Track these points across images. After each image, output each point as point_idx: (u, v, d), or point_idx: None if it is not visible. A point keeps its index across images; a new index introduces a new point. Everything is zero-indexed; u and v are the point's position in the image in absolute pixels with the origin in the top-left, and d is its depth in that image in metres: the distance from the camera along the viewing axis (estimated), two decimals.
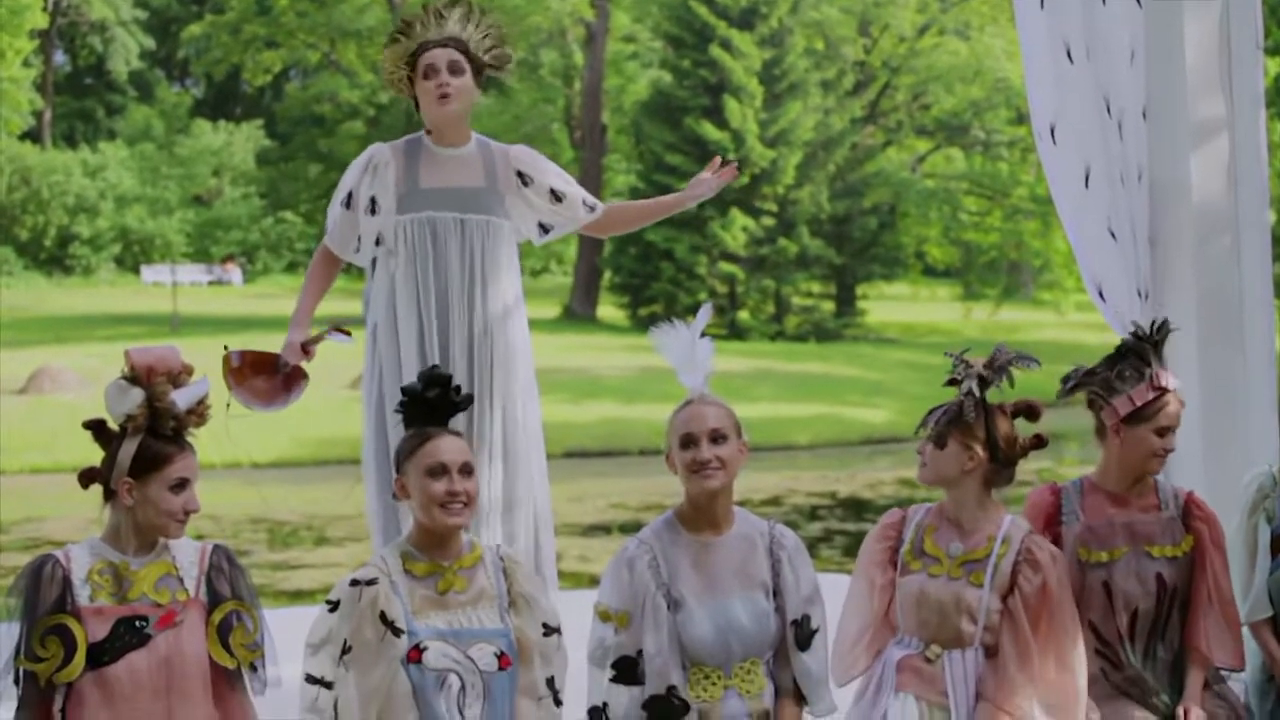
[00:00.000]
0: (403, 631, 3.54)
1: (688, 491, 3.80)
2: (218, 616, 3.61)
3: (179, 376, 3.65)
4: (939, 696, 3.82)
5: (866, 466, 23.41)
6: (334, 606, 3.55)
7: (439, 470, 3.59)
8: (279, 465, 21.81)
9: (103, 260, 46.19)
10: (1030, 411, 3.93)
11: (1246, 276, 5.02)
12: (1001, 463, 3.89)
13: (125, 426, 3.58)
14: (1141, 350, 4.15)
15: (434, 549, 3.64)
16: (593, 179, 39.63)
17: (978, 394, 3.88)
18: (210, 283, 45.35)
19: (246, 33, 46.38)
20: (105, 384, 3.64)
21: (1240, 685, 4.29)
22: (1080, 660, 3.84)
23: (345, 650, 3.52)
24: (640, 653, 3.70)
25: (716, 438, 3.76)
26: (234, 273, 46.61)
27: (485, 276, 4.67)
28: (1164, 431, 4.10)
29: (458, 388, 3.71)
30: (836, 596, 4.05)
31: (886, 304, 44.50)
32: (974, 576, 3.85)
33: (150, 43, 53.07)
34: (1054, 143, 5.00)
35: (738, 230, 37.82)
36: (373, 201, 4.69)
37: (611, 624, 3.74)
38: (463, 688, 3.55)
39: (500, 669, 3.59)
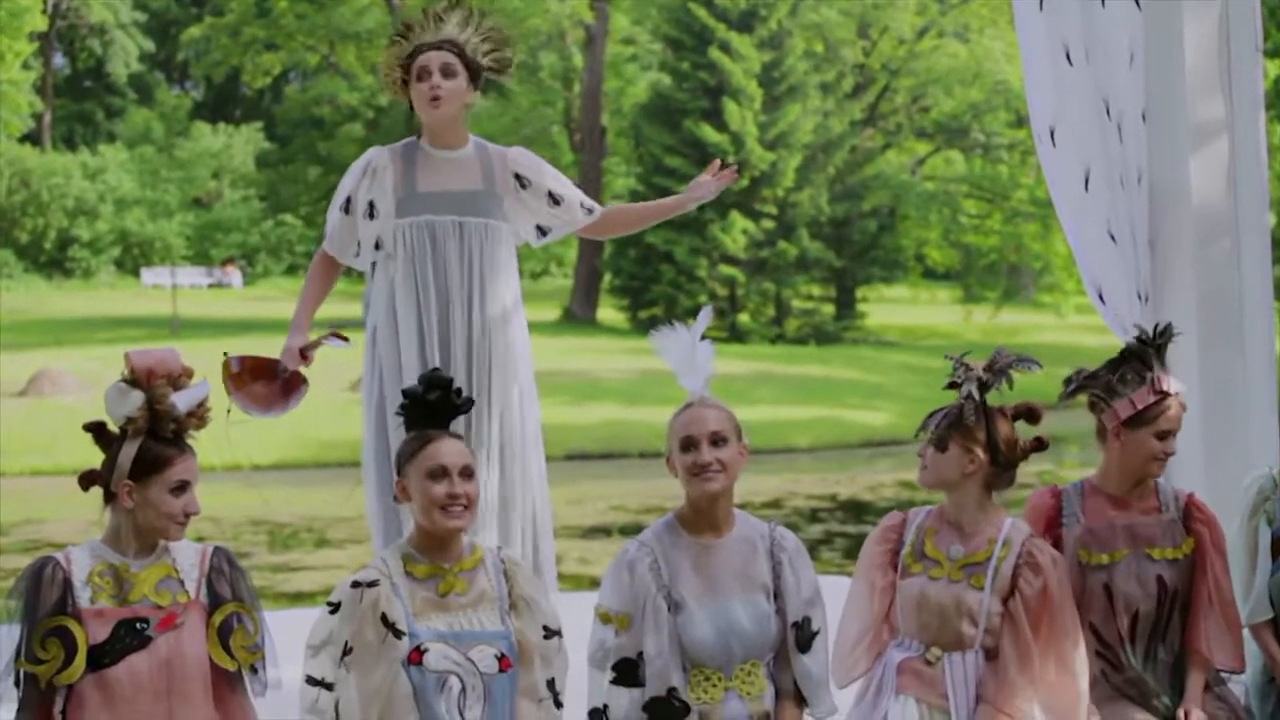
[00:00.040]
0: (404, 633, 3.54)
1: (688, 494, 3.80)
2: (218, 618, 3.61)
3: (179, 379, 3.65)
4: (939, 699, 3.82)
5: (867, 469, 23.41)
6: (335, 608, 3.55)
7: (440, 473, 3.60)
8: (279, 467, 21.81)
9: (102, 263, 46.19)
10: (1030, 414, 3.93)
11: (1246, 279, 5.02)
12: (1002, 465, 3.90)
13: (125, 429, 3.59)
14: (1144, 354, 4.15)
15: (435, 551, 3.64)
16: (592, 181, 39.63)
17: (978, 397, 3.88)
18: (210, 285, 45.35)
19: (246, 35, 46.39)
20: (105, 387, 3.64)
21: (1240, 687, 4.29)
22: (1081, 663, 3.84)
23: (346, 652, 3.52)
24: (641, 655, 3.71)
25: (717, 440, 3.76)
26: (234, 275, 46.61)
27: (484, 279, 4.68)
28: (1164, 435, 4.10)
29: (458, 390, 3.72)
30: (837, 599, 4.05)
31: (886, 307, 44.50)
32: (975, 579, 3.85)
33: (150, 45, 53.07)
34: (1054, 145, 5.00)
35: (738, 233, 37.82)
36: (371, 206, 4.69)
37: (612, 626, 3.74)
38: (463, 689, 3.55)
39: (501, 671, 3.59)
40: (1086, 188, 4.96)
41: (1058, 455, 20.59)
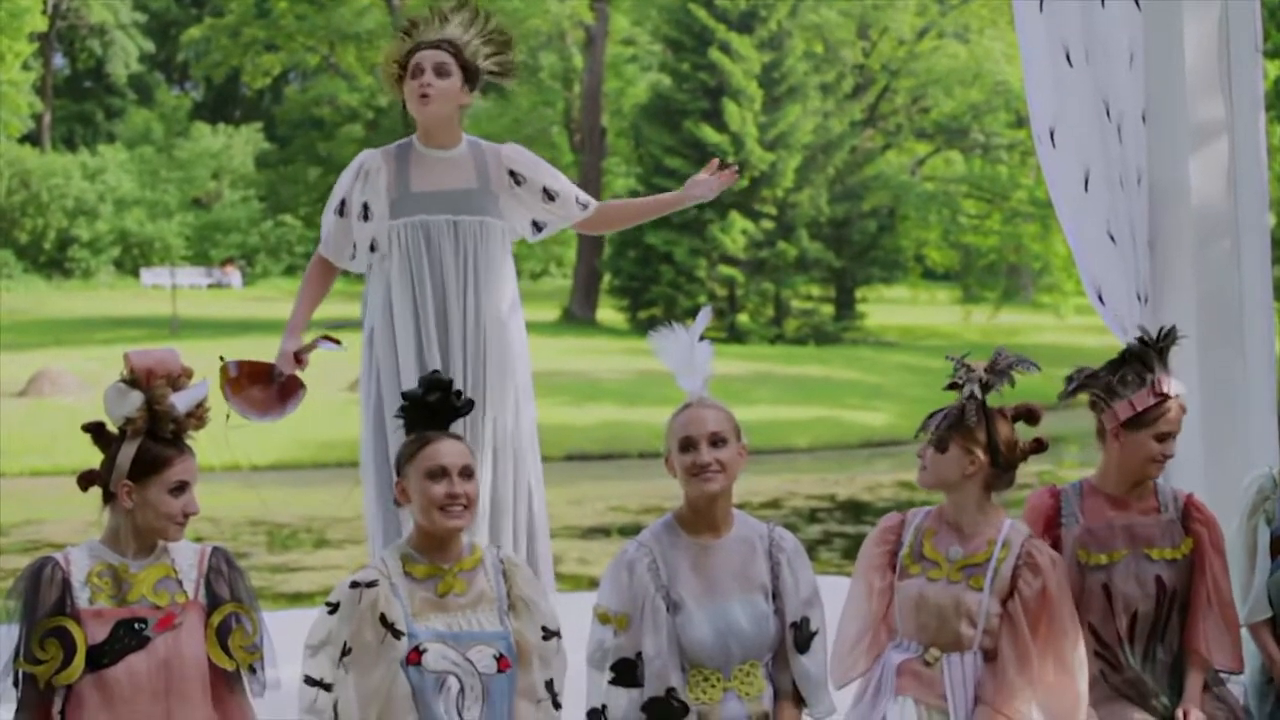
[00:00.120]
0: (402, 633, 3.54)
1: (687, 495, 3.80)
2: (217, 619, 3.61)
3: (178, 379, 3.65)
4: (938, 700, 3.82)
5: (866, 469, 23.42)
6: (334, 608, 3.55)
7: (439, 473, 3.60)
8: (278, 468, 21.81)
9: (102, 263, 46.18)
10: (1030, 415, 3.93)
11: (1246, 279, 5.02)
12: (1002, 466, 3.90)
13: (124, 429, 3.59)
14: (1145, 356, 4.14)
15: (434, 551, 3.64)
16: (592, 182, 39.62)
17: (980, 397, 3.88)
18: (209, 286, 45.33)
19: (246, 36, 46.38)
20: (105, 387, 3.64)
21: (1239, 688, 4.29)
22: (1080, 664, 3.84)
23: (345, 652, 3.52)
24: (639, 655, 3.70)
25: (716, 441, 3.76)
26: (233, 276, 46.60)
27: (481, 278, 4.67)
28: (1164, 438, 4.10)
29: (458, 392, 3.72)
30: (836, 599, 4.05)
31: (886, 307, 44.50)
32: (974, 580, 3.85)
33: (149, 46, 53.06)
34: (1053, 146, 5.00)
35: (737, 233, 37.83)
36: (365, 207, 4.69)
37: (611, 626, 3.74)
38: (462, 690, 3.55)
39: (499, 671, 3.59)
40: (1086, 188, 4.96)
41: (1057, 455, 20.60)
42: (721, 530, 3.82)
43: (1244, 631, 4.19)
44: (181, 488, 3.58)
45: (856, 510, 18.91)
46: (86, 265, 45.86)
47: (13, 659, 3.48)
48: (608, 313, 40.92)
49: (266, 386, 4.68)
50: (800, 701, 3.83)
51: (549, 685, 3.69)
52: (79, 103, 53.45)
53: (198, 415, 3.64)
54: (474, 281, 4.66)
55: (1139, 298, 4.98)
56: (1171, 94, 5.03)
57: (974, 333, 40.64)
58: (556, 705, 3.71)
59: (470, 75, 4.75)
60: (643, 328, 29.20)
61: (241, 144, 48.87)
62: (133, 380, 3.60)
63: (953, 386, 3.95)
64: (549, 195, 4.84)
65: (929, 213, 42.80)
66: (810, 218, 39.58)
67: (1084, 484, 4.21)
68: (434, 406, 3.68)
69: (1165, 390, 4.10)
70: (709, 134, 37.35)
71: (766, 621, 3.78)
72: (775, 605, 3.81)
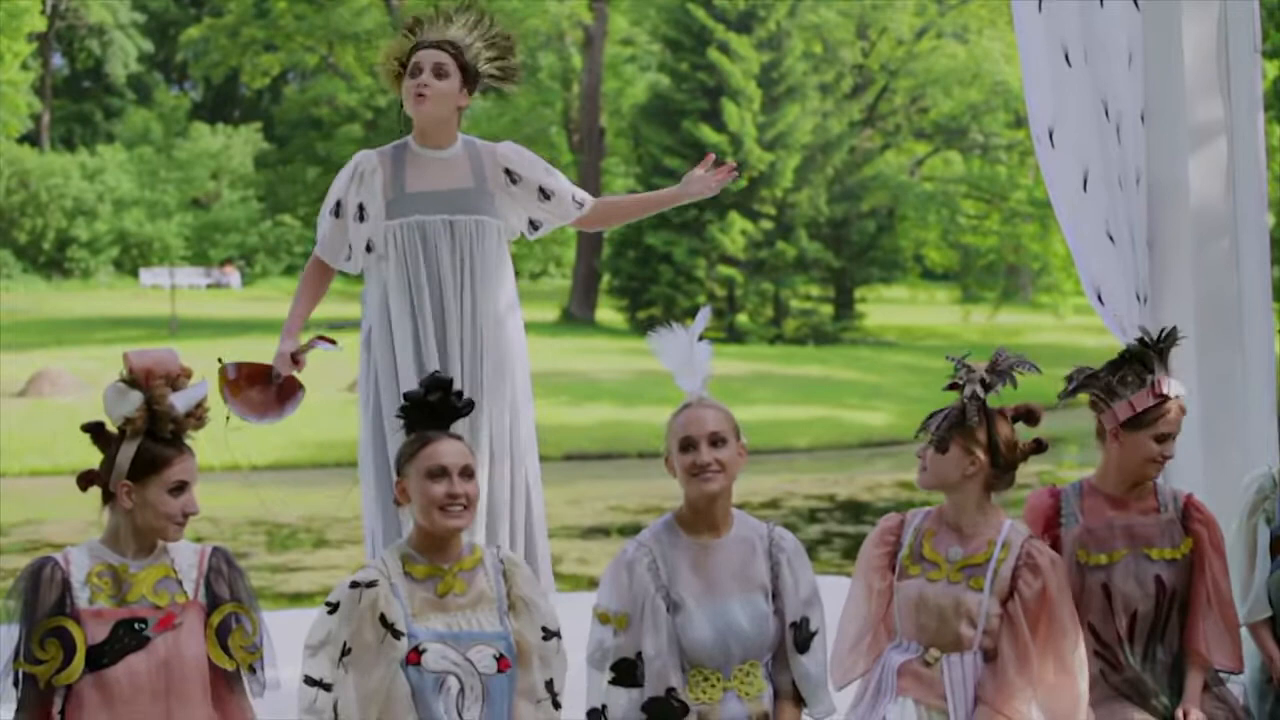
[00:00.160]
0: (402, 634, 3.54)
1: (687, 494, 3.80)
2: (217, 619, 3.62)
3: (177, 379, 3.65)
4: (938, 700, 3.82)
5: (865, 469, 23.41)
6: (333, 608, 3.55)
7: (439, 473, 3.60)
8: (277, 468, 21.80)
9: (101, 263, 46.17)
10: (1030, 416, 3.93)
11: (1245, 279, 5.02)
12: (1002, 467, 3.90)
13: (124, 429, 3.59)
14: (1145, 357, 4.15)
15: (434, 551, 3.64)
16: (591, 182, 39.59)
17: (982, 398, 3.89)
18: (209, 286, 45.31)
19: (244, 36, 46.36)
20: (104, 387, 3.64)
21: (1239, 687, 4.29)
22: (1080, 664, 3.84)
23: (345, 652, 3.52)
24: (639, 655, 3.71)
25: (716, 441, 3.76)
26: (232, 276, 46.58)
27: (477, 277, 4.66)
28: (1163, 438, 4.11)
29: (459, 392, 3.72)
30: (836, 599, 4.05)
31: (885, 307, 44.50)
32: (973, 581, 3.85)
33: (148, 46, 53.03)
34: (1052, 146, 5.00)
35: (736, 233, 37.83)
36: (360, 209, 4.68)
37: (610, 626, 3.74)
38: (461, 690, 3.55)
39: (499, 671, 3.59)
40: (1085, 188, 4.96)
41: (1057, 456, 20.61)
42: (721, 530, 3.82)
43: (1244, 631, 4.19)
44: (181, 487, 3.58)
45: (856, 510, 18.90)
46: (85, 265, 45.85)
47: (12, 659, 3.48)
48: (607, 313, 40.91)
49: (265, 388, 4.69)
50: (800, 701, 3.83)
51: (549, 685, 3.69)
52: (78, 103, 53.43)
53: (197, 415, 3.65)
54: (471, 281, 4.66)
55: (1138, 298, 4.98)
56: (1170, 94, 5.03)
57: (973, 333, 40.65)
58: (556, 705, 3.71)
59: (469, 78, 4.75)
60: (642, 328, 29.23)
61: (240, 144, 48.85)
62: (132, 380, 3.60)
63: (953, 387, 3.95)
64: (544, 194, 4.84)
65: (928, 213, 42.79)
66: (809, 218, 39.58)
67: (1084, 484, 4.21)
68: (435, 406, 3.68)
69: (1165, 391, 4.10)
70: (708, 134, 37.35)
71: (766, 621, 3.78)
72: (775, 605, 3.81)
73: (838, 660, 4.00)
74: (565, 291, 42.81)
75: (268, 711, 3.79)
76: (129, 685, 3.48)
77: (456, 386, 3.73)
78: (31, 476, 21.67)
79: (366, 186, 4.69)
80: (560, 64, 43.94)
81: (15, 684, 3.49)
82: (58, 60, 52.74)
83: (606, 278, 40.84)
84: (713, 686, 3.73)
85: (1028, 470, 3.99)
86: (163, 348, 3.73)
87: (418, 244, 4.64)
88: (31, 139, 46.95)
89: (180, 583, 3.61)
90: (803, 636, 3.82)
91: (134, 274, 46.05)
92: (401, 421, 3.75)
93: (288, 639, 3.79)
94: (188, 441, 3.63)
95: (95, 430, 3.62)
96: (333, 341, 4.71)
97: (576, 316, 40.35)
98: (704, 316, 3.92)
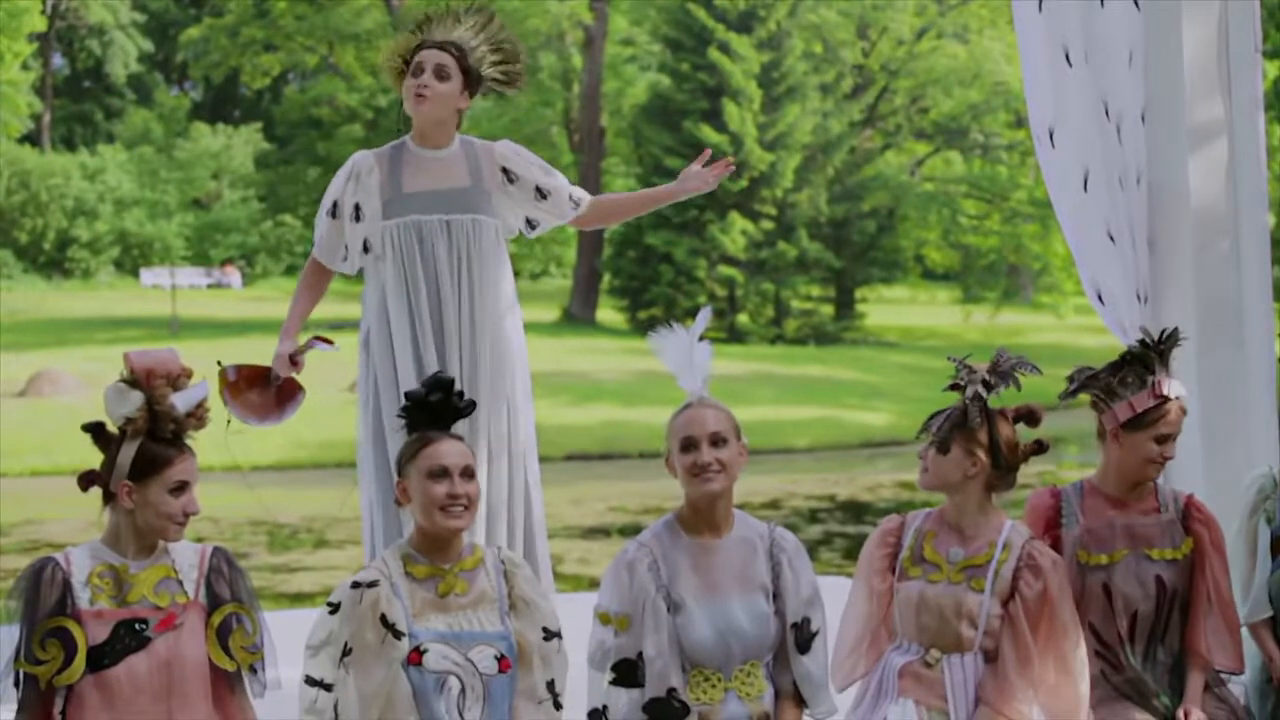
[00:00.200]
0: (403, 634, 3.54)
1: (688, 495, 3.80)
2: (217, 619, 3.62)
3: (178, 379, 3.65)
4: (939, 701, 3.82)
5: (866, 469, 23.42)
6: (335, 608, 3.55)
7: (440, 473, 3.60)
8: (278, 468, 21.81)
9: (102, 263, 46.16)
10: (1031, 417, 3.93)
11: (1245, 280, 5.02)
12: (1003, 468, 3.90)
13: (124, 429, 3.59)
14: (1146, 358, 4.15)
15: (435, 552, 3.65)
16: (591, 182, 39.58)
17: (984, 399, 3.89)
18: (209, 286, 45.30)
19: (245, 36, 46.34)
20: (105, 387, 3.64)
21: (1240, 688, 4.29)
22: (1081, 665, 3.84)
23: (345, 652, 3.52)
24: (640, 655, 3.70)
25: (717, 441, 3.76)
26: (233, 276, 46.57)
27: (475, 276, 4.66)
28: (1163, 439, 4.11)
29: (460, 393, 3.72)
30: (836, 599, 4.05)
31: (886, 307, 44.49)
32: (974, 582, 3.85)
33: (149, 46, 53.02)
34: (1053, 146, 5.00)
35: (737, 234, 37.82)
36: (357, 209, 4.68)
37: (611, 627, 3.74)
38: (463, 690, 3.55)
39: (500, 672, 3.59)
40: (1085, 188, 4.96)
41: (1057, 456, 20.61)
42: (722, 530, 3.82)
43: (1245, 632, 4.19)
44: (182, 488, 3.58)
45: (857, 510, 18.90)
46: (86, 265, 45.84)
47: (13, 659, 3.49)
48: (607, 313, 40.90)
49: (264, 390, 4.69)
50: (801, 702, 3.83)
51: (550, 686, 3.69)
52: (78, 103, 53.43)
53: (198, 415, 3.65)
54: (468, 280, 4.65)
55: (1139, 298, 4.98)
56: (1171, 94, 5.03)
57: (974, 333, 40.63)
58: (558, 706, 3.71)
59: (471, 81, 4.74)
60: (642, 328, 29.23)
61: (241, 144, 48.85)
62: (133, 380, 3.60)
63: (954, 388, 3.95)
64: (541, 193, 4.83)
65: (929, 213, 42.78)
66: (810, 218, 39.57)
67: (1084, 484, 4.21)
68: (436, 407, 3.68)
69: (1165, 392, 4.10)
70: (708, 134, 37.32)
71: (767, 622, 3.78)
72: (776, 605, 3.81)
73: (838, 662, 3.99)
74: (566, 291, 42.80)
75: (268, 712, 3.79)
76: (130, 686, 3.49)
77: (457, 387, 3.73)
78: (32, 476, 21.68)
79: (363, 187, 4.69)
80: (561, 64, 43.92)
81: (16, 684, 3.49)
82: (58, 60, 52.74)
83: (607, 278, 40.83)
84: (713, 687, 3.73)
85: (1028, 470, 3.99)
86: (163, 348, 3.73)
87: (414, 244, 4.64)
88: (32, 139, 46.95)
89: (181, 583, 3.61)
90: (804, 637, 3.82)
91: (135, 274, 46.04)
92: (402, 422, 3.76)
93: (288, 639, 3.79)
94: (188, 442, 3.64)
95: (96, 430, 3.62)
96: (330, 342, 4.71)
97: (577, 316, 40.34)
98: (705, 316, 3.92)
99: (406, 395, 3.76)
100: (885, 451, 25.08)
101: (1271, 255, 5.14)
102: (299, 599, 13.41)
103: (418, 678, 3.53)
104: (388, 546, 4.31)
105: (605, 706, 3.73)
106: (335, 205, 4.71)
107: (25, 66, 41.85)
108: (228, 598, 3.65)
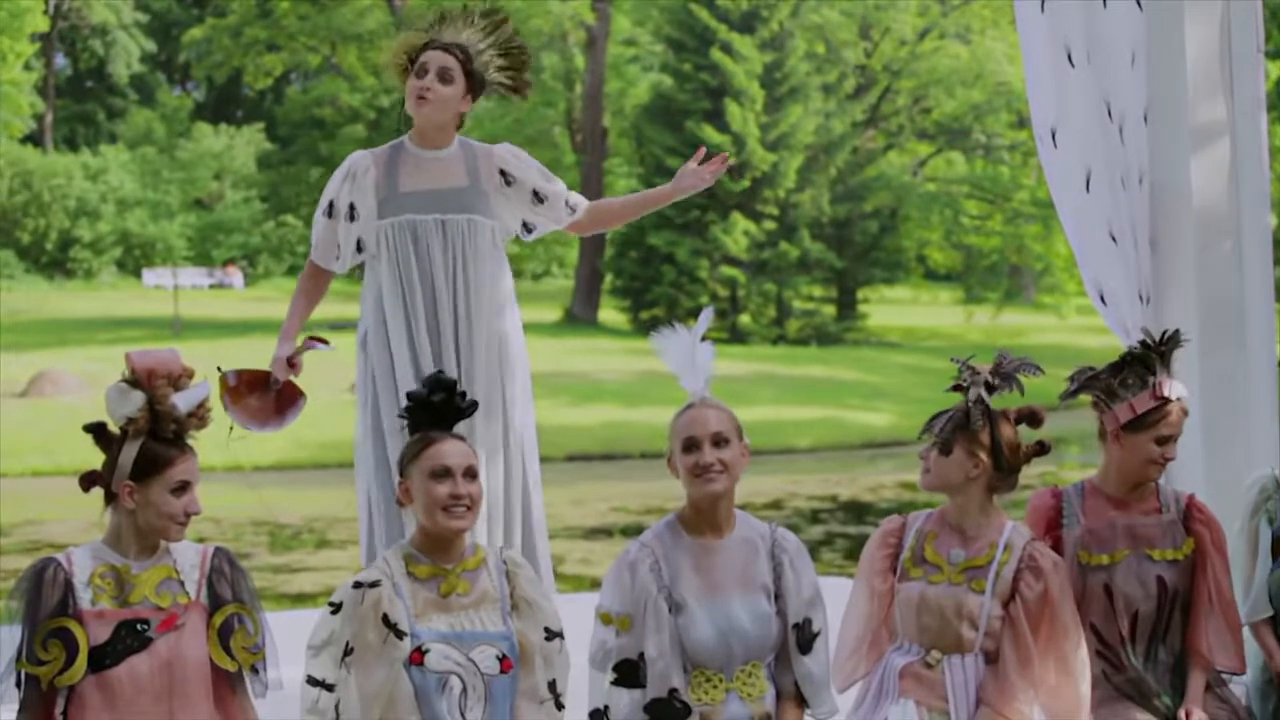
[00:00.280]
0: (405, 634, 3.54)
1: (690, 495, 3.80)
2: (219, 619, 3.62)
3: (180, 380, 3.65)
4: (940, 702, 3.82)
5: (868, 470, 23.42)
6: (336, 608, 3.55)
7: (443, 473, 3.60)
8: (279, 469, 21.82)
9: (104, 264, 46.18)
10: (1033, 418, 3.93)
11: (1247, 280, 5.02)
12: (1005, 469, 3.90)
13: (126, 430, 3.59)
14: (1147, 359, 4.15)
15: (437, 552, 3.64)
16: (594, 182, 39.60)
17: (987, 400, 3.88)
18: (211, 286, 45.31)
19: (247, 36, 46.37)
20: (106, 387, 3.64)
21: (1241, 688, 4.29)
22: (1082, 665, 3.84)
23: (347, 652, 3.52)
24: (642, 656, 3.70)
25: (719, 441, 3.76)
26: (235, 276, 46.58)
27: (470, 276, 4.65)
28: (1164, 440, 4.10)
29: (463, 393, 3.72)
30: (838, 600, 4.05)
31: (888, 308, 44.49)
32: (975, 583, 3.85)
33: (151, 46, 53.04)
34: (1055, 146, 5.00)
35: (739, 234, 37.81)
36: (351, 208, 4.68)
37: (613, 627, 3.74)
38: (464, 690, 3.55)
39: (502, 672, 3.59)
40: (1088, 188, 4.96)
41: (1059, 456, 20.59)
42: (724, 530, 3.82)
43: (1246, 632, 4.19)
44: (183, 487, 3.58)
45: (858, 511, 18.90)
46: (88, 266, 45.86)
47: (15, 660, 3.49)
48: (609, 313, 40.91)
49: (264, 394, 4.69)
50: (803, 702, 3.83)
51: (551, 686, 3.69)
52: (81, 103, 53.45)
53: (199, 415, 3.65)
54: (463, 280, 4.64)
55: (1141, 298, 4.98)
56: (1173, 94, 5.03)
57: (976, 333, 40.63)
58: (559, 706, 3.71)
59: (474, 84, 4.73)
60: (644, 328, 29.19)
61: (243, 144, 48.88)
62: (134, 380, 3.60)
63: (957, 389, 3.95)
64: (538, 197, 4.82)
65: (931, 213, 42.77)
66: (812, 218, 39.57)
67: (1085, 485, 4.21)
68: (438, 407, 3.68)
69: (1166, 393, 4.10)
70: (711, 134, 37.31)
71: (768, 622, 3.78)
72: (777, 606, 3.81)
73: (839, 662, 3.99)
74: (568, 292, 42.81)
75: (270, 712, 3.79)
76: (131, 686, 3.49)
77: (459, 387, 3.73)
78: (33, 477, 21.68)
79: (359, 186, 4.69)
80: (563, 64, 43.92)
81: (17, 685, 3.49)
82: (60, 60, 52.78)
83: (609, 278, 40.83)
84: (715, 687, 3.73)
85: (1029, 471, 3.99)
86: (165, 348, 3.73)
87: (409, 243, 4.64)
88: (34, 139, 46.99)
89: (182, 583, 3.61)
90: (805, 637, 3.82)
91: (137, 274, 46.07)
92: (402, 422, 3.75)
93: (290, 639, 3.79)
94: (190, 442, 3.64)
95: (97, 431, 3.62)
96: (325, 342, 4.71)
97: (579, 317, 40.34)
98: (707, 317, 3.92)
99: (408, 395, 3.76)
100: (887, 452, 25.08)
101: (1274, 256, 5.14)
102: (300, 599, 13.41)
103: (419, 678, 3.53)
104: (388, 545, 4.32)
105: (607, 707, 3.73)
106: (331, 205, 4.71)
107: (28, 67, 41.88)
108: (229, 598, 3.65)
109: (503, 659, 3.60)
